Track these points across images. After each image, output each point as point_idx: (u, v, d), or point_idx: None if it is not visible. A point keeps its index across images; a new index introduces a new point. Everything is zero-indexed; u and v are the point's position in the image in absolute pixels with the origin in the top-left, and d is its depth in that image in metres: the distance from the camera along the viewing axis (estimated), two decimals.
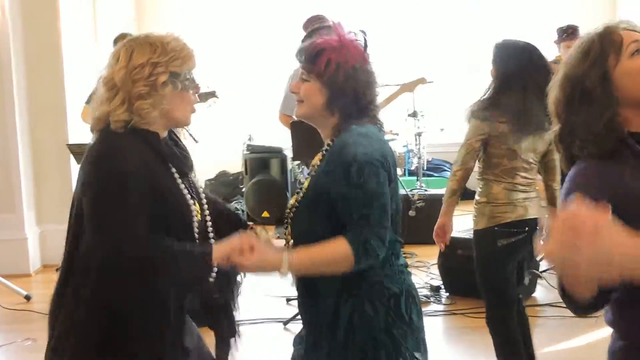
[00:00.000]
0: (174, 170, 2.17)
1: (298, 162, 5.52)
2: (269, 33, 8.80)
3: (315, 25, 5.12)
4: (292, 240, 2.26)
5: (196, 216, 2.22)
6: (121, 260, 2.01)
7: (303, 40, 4.79)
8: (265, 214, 7.68)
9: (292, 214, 2.25)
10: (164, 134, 2.20)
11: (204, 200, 2.31)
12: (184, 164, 2.23)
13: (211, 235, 2.29)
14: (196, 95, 2.23)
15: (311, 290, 2.26)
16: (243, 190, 8.05)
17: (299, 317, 4.03)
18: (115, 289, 2.05)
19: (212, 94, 5.62)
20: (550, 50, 6.42)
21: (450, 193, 3.38)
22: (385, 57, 8.59)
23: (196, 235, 2.21)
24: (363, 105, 2.20)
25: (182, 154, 2.25)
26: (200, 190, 2.32)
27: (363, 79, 2.20)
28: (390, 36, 8.94)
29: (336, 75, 2.16)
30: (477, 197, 3.39)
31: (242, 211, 8.10)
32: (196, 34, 8.23)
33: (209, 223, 2.29)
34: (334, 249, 2.08)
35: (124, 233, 2.01)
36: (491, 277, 3.41)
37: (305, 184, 2.25)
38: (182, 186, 2.19)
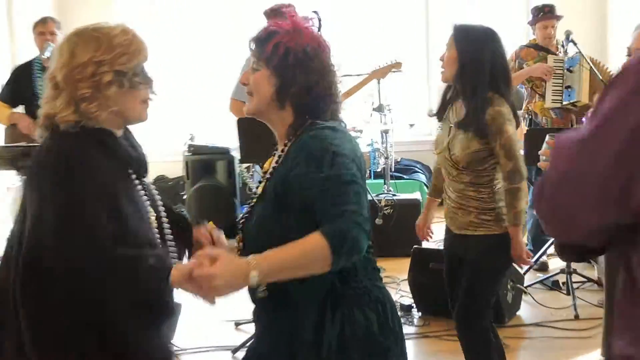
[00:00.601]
0: (131, 171, 2.23)
1: (247, 164, 5.51)
2: (211, 21, 9.01)
3: (274, 7, 5.34)
4: (241, 248, 2.32)
5: (155, 222, 2.30)
6: (82, 268, 2.04)
7: None
8: (211, 224, 7.63)
9: (246, 228, 2.29)
10: (119, 132, 2.25)
11: (160, 204, 2.37)
12: (141, 167, 2.30)
13: (169, 241, 2.35)
14: (150, 89, 2.29)
15: (284, 302, 2.26)
16: (184, 197, 8.06)
17: (249, 343, 4.14)
18: (66, 294, 2.07)
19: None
20: (521, 34, 6.86)
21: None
22: (347, 43, 8.93)
23: (155, 241, 2.26)
24: (317, 96, 2.24)
25: (138, 154, 2.31)
26: (155, 193, 2.39)
27: (317, 66, 2.23)
28: (352, 20, 9.17)
29: (285, 61, 2.21)
30: (488, 200, 3.49)
31: None
32: (128, 23, 8.42)
33: (167, 230, 2.34)
34: (307, 244, 2.05)
35: (87, 241, 2.04)
36: (496, 288, 3.58)
37: (259, 190, 2.30)
38: (142, 192, 2.27)
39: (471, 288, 3.48)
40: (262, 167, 2.54)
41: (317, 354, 2.24)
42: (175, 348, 4.35)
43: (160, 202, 2.39)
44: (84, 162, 2.12)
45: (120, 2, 9.16)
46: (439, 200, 3.83)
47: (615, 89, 1.35)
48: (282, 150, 2.28)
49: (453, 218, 3.59)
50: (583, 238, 1.44)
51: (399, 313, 5.05)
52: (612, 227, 1.36)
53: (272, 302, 2.29)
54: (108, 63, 2.16)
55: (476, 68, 3.48)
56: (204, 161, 8.03)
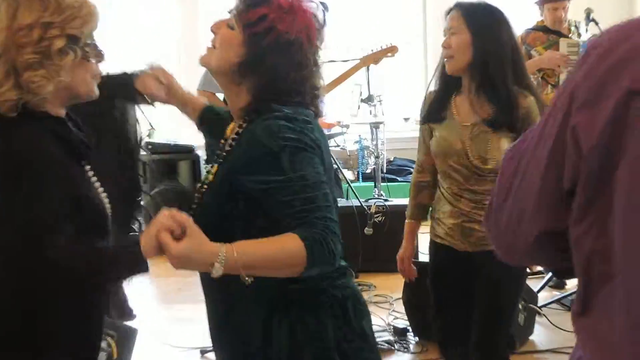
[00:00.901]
0: (83, 160, 2.28)
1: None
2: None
3: None
4: None
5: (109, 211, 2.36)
6: (47, 264, 2.09)
7: None
8: None
9: (195, 211, 2.33)
10: (62, 112, 2.27)
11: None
12: (89, 149, 2.33)
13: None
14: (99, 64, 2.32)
15: (229, 304, 2.34)
16: (142, 203, 7.87)
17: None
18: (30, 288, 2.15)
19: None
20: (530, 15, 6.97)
21: None
22: (333, 24, 8.78)
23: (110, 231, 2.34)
24: (280, 91, 2.29)
25: (83, 136, 2.34)
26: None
27: (295, 58, 2.28)
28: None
29: (264, 38, 2.26)
30: None
31: (141, 232, 8.03)
32: None
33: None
34: (285, 244, 2.11)
35: (49, 236, 2.09)
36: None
37: (211, 175, 2.35)
38: (94, 179, 2.32)
39: (497, 314, 3.47)
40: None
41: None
42: None
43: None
44: (37, 158, 2.12)
45: None
46: (423, 221, 3.81)
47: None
48: (237, 132, 2.34)
49: (466, 234, 3.52)
50: (525, 253, 1.57)
51: (392, 337, 5.14)
52: (549, 237, 1.48)
53: (213, 303, 2.41)
54: (59, 26, 2.14)
55: (499, 54, 3.43)
56: (164, 161, 8.06)
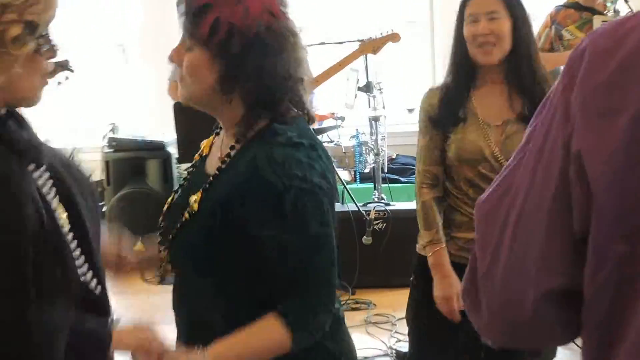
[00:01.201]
0: (31, 166, 2.22)
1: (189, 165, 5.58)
2: None
3: None
4: (170, 271, 2.45)
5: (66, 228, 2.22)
6: None
7: None
8: (140, 247, 7.70)
9: (173, 252, 2.37)
10: (1, 110, 2.18)
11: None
12: (40, 153, 2.26)
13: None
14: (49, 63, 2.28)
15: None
16: (104, 208, 8.07)
17: None
18: None
19: (63, 66, 5.42)
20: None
21: None
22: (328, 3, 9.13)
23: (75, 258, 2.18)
24: (273, 82, 2.31)
25: (31, 137, 2.23)
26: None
27: (273, 44, 2.29)
28: None
29: (229, 42, 2.27)
30: None
31: None
32: None
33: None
34: (265, 336, 2.23)
35: None
36: None
37: (195, 199, 2.34)
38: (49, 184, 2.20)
39: None
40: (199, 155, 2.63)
41: None
42: None
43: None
44: None
45: None
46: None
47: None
48: (229, 154, 2.36)
49: None
50: (526, 326, 1.51)
51: None
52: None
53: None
54: (16, 10, 2.08)
55: (534, 44, 3.49)
56: (130, 160, 8.12)
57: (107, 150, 8.21)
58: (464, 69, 3.61)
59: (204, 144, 2.56)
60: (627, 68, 1.33)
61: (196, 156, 2.56)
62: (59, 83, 5.90)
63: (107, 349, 2.18)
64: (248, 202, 2.24)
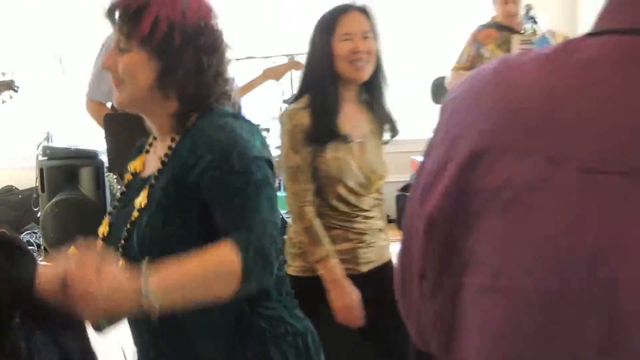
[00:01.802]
0: None
1: (119, 172, 5.44)
2: None
3: None
4: None
5: None
6: None
7: None
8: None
9: (127, 251, 2.28)
10: None
11: None
12: None
13: None
14: None
15: (181, 336, 2.32)
16: (38, 214, 7.95)
17: None
18: None
19: (7, 85, 5.85)
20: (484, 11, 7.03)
21: None
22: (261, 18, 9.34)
23: None
24: (208, 79, 2.32)
25: None
26: None
27: (208, 42, 2.29)
28: None
29: (169, 40, 2.24)
30: None
31: (38, 246, 8.14)
32: None
33: None
34: (213, 257, 2.12)
35: None
36: None
37: (140, 201, 2.30)
38: None
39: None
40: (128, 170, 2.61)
41: None
42: None
43: None
44: None
45: None
46: None
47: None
48: (169, 147, 2.32)
49: (360, 255, 3.55)
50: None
51: None
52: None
53: (163, 337, 2.34)
54: None
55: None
56: (64, 168, 7.91)
57: (41, 158, 7.94)
58: (333, 86, 3.45)
59: (134, 164, 2.50)
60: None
61: (128, 175, 2.50)
62: (3, 102, 5.73)
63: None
64: (199, 163, 2.19)
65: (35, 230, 8.19)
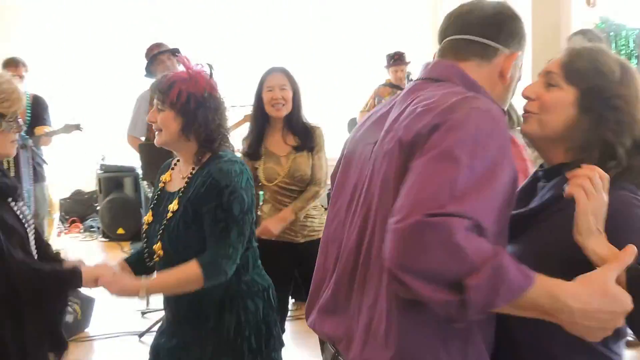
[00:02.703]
0: (10, 199, 2.18)
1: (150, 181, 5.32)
2: (118, 56, 8.61)
3: (154, 52, 5.24)
4: (162, 254, 2.33)
5: (31, 240, 2.24)
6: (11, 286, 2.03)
7: (147, 67, 5.15)
8: (121, 231, 7.74)
9: (166, 240, 2.31)
10: None
11: (31, 223, 2.30)
12: (16, 192, 2.22)
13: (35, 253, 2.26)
14: (18, 131, 2.22)
15: (190, 298, 2.32)
16: (98, 208, 8.00)
17: (154, 329, 4.32)
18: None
19: (76, 127, 5.78)
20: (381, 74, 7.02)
21: None
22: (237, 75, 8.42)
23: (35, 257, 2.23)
24: (214, 128, 2.30)
25: (11, 181, 2.22)
26: (27, 214, 2.29)
27: (212, 105, 2.30)
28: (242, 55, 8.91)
29: (188, 104, 2.25)
30: None
31: (98, 228, 8.08)
32: (49, 51, 8.57)
33: (33, 244, 2.27)
34: (185, 272, 2.20)
35: (10, 261, 2.03)
36: None
37: (173, 206, 2.30)
38: (19, 213, 2.20)
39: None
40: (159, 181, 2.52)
41: (219, 337, 2.32)
42: (89, 335, 4.84)
43: (31, 224, 2.27)
44: None
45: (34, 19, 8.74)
46: None
47: None
48: (190, 173, 2.32)
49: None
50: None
51: None
52: None
53: (181, 298, 2.34)
54: None
55: (301, 105, 3.53)
56: (113, 178, 7.93)
57: (99, 171, 8.03)
58: (261, 121, 3.48)
59: (164, 176, 2.45)
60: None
61: (161, 184, 2.45)
62: (74, 135, 5.72)
63: (66, 287, 2.16)
64: (204, 195, 2.21)
65: (96, 218, 8.11)
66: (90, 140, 8.23)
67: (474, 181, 1.27)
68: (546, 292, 1.26)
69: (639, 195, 1.49)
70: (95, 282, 2.15)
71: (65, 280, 2.14)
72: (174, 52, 5.16)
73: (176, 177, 2.40)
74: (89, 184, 8.57)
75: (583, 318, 1.27)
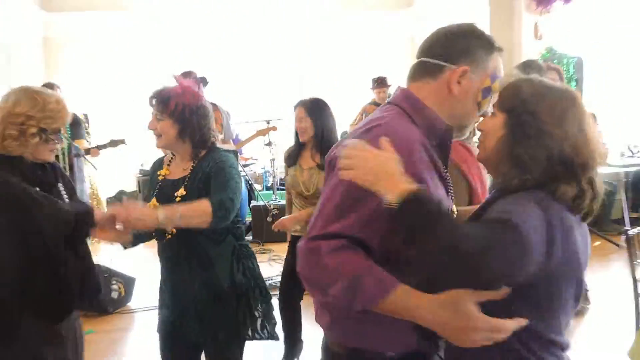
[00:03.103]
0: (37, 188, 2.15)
1: None
2: (152, 80, 7.23)
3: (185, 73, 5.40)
4: (174, 232, 2.39)
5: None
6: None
7: None
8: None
9: (181, 200, 2.39)
10: (29, 160, 2.17)
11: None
12: (46, 180, 2.23)
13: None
14: (57, 143, 2.20)
15: (204, 259, 2.38)
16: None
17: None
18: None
19: (122, 142, 6.06)
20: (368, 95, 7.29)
21: None
22: (248, 95, 8.87)
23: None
24: (204, 132, 2.37)
25: (44, 175, 2.22)
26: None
27: (202, 113, 2.37)
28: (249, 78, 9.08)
29: (183, 113, 2.32)
30: None
31: None
32: (98, 74, 8.81)
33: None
34: (199, 205, 2.25)
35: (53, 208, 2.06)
36: None
37: (181, 191, 2.36)
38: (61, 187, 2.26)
39: None
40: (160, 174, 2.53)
41: (232, 293, 2.40)
42: (131, 308, 4.99)
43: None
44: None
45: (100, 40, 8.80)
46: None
47: None
48: (192, 166, 2.39)
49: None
50: None
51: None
52: None
53: (195, 258, 2.39)
54: (36, 120, 2.11)
55: (328, 127, 3.56)
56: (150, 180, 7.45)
57: (139, 175, 8.33)
58: (298, 142, 3.65)
59: (162, 172, 2.48)
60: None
61: (160, 177, 2.47)
62: (119, 148, 6.09)
63: (89, 221, 2.10)
64: (213, 172, 2.31)
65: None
66: (131, 150, 8.12)
67: (351, 202, 1.31)
68: (401, 303, 1.29)
69: (542, 204, 1.39)
70: (112, 222, 2.11)
71: (80, 219, 2.11)
72: (202, 80, 5.42)
73: (175, 170, 2.46)
74: (131, 186, 8.78)
75: (437, 327, 1.29)
